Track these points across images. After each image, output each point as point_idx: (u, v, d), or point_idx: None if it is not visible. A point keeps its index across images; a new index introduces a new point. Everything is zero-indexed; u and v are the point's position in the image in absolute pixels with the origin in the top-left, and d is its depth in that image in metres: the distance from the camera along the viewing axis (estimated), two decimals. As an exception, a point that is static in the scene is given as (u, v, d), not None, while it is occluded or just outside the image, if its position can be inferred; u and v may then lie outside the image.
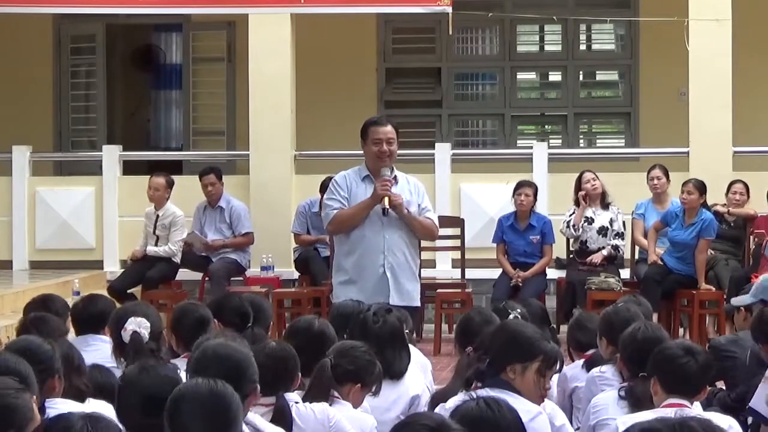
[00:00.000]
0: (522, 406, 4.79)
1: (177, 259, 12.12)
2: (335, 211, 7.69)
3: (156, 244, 12.17)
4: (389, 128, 7.78)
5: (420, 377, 5.94)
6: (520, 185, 11.93)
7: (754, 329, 6.41)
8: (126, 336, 5.34)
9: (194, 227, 12.34)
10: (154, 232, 12.18)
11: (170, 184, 12.20)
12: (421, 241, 11.78)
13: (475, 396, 3.95)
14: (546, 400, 5.06)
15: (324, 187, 11.79)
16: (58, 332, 5.72)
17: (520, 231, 11.84)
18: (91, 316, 6.47)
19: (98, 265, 13.11)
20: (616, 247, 11.73)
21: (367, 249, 7.64)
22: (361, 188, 7.72)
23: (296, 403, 4.88)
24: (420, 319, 12.14)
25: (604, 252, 11.65)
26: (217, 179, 12.41)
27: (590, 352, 6.31)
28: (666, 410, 4.60)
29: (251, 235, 12.42)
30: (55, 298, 6.85)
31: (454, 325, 10.63)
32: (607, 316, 6.16)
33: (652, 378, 4.88)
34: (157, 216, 12.15)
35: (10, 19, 14.00)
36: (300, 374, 5.02)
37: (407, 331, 5.98)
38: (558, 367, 5.01)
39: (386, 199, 7.57)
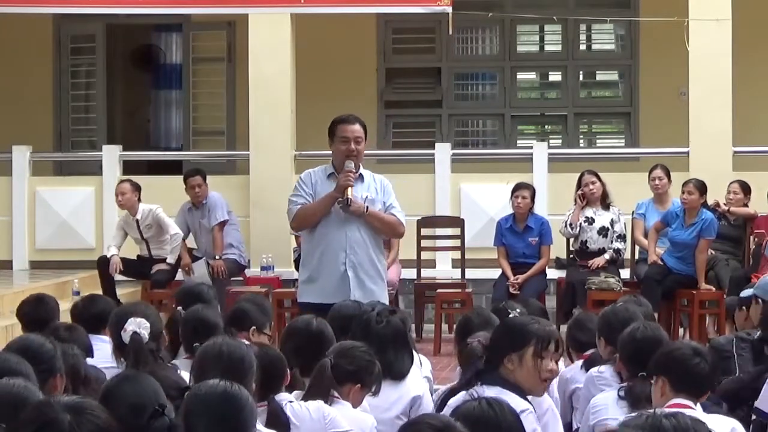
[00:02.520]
0: (511, 401, 4.81)
1: (172, 259, 12.07)
2: (298, 207, 7.66)
3: (149, 248, 12.15)
4: (357, 126, 7.68)
5: (421, 377, 5.94)
6: (517, 188, 11.92)
7: (762, 321, 6.44)
8: (126, 337, 5.33)
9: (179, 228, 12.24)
10: (142, 238, 12.15)
11: (137, 188, 12.12)
12: (421, 241, 11.90)
13: (476, 396, 3.95)
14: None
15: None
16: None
17: (518, 233, 11.84)
18: (92, 317, 6.48)
19: (98, 265, 13.11)
20: (618, 251, 11.71)
21: (328, 246, 7.57)
22: (326, 186, 7.63)
23: (290, 402, 4.88)
24: (420, 318, 12.15)
25: (606, 256, 11.63)
26: (203, 180, 12.37)
27: (589, 352, 6.31)
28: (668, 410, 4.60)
29: (223, 223, 12.23)
30: (48, 298, 6.86)
31: (454, 325, 10.64)
32: (606, 316, 6.16)
33: (659, 379, 4.86)
34: (137, 221, 12.09)
35: (10, 19, 13.99)
36: (289, 372, 5.03)
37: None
38: (555, 347, 4.98)
39: (348, 190, 7.50)
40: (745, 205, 12.01)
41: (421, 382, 5.79)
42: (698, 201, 11.27)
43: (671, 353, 4.93)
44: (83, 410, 3.18)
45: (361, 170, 7.71)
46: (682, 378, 4.81)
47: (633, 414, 3.60)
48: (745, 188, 12.04)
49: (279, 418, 4.74)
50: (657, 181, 11.96)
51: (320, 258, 7.60)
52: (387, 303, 7.60)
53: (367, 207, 7.55)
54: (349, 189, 7.49)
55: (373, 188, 7.68)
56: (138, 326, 5.33)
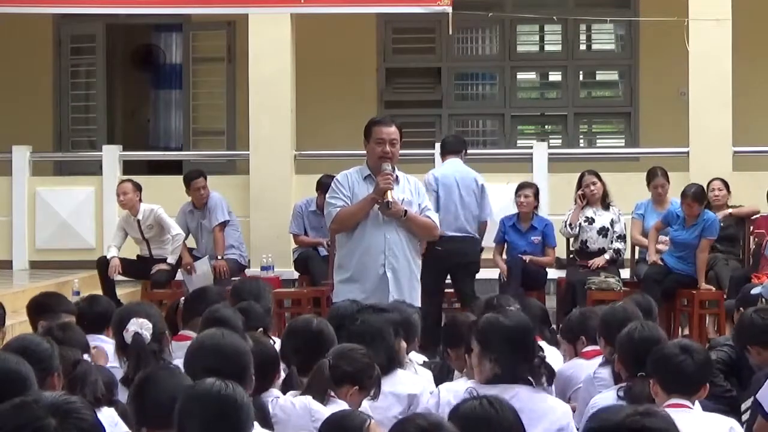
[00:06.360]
0: (549, 404, 4.85)
1: (173, 260, 12.07)
2: (338, 209, 7.69)
3: (150, 248, 12.14)
4: (393, 129, 7.79)
5: (420, 376, 5.94)
6: (521, 186, 11.92)
7: (736, 332, 6.43)
8: (128, 337, 5.34)
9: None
10: (143, 238, 12.14)
11: (138, 188, 12.12)
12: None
13: (476, 395, 3.96)
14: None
15: (321, 186, 11.81)
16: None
17: (521, 232, 11.83)
18: (95, 317, 6.47)
19: (98, 265, 13.11)
20: (618, 251, 11.71)
21: (368, 248, 7.64)
22: (363, 188, 7.71)
23: (277, 398, 4.90)
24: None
25: (606, 256, 11.63)
26: (205, 181, 12.37)
27: (590, 349, 6.33)
28: (667, 411, 4.60)
29: (224, 224, 12.21)
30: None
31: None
32: (604, 316, 6.17)
33: (651, 379, 4.88)
34: (138, 221, 12.08)
35: (10, 19, 14.00)
36: (282, 369, 5.04)
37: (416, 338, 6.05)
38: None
39: (389, 193, 7.56)
40: (726, 205, 11.97)
41: (417, 381, 5.79)
42: (699, 209, 11.22)
43: (657, 353, 4.94)
44: (69, 413, 3.02)
45: (396, 171, 7.77)
46: (670, 377, 4.82)
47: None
48: (726, 185, 12.01)
49: (264, 416, 4.75)
50: (660, 189, 11.92)
51: (359, 260, 7.66)
52: (419, 304, 7.69)
53: (406, 211, 7.63)
54: (389, 192, 7.55)
55: (408, 190, 7.78)
56: (140, 327, 5.34)
